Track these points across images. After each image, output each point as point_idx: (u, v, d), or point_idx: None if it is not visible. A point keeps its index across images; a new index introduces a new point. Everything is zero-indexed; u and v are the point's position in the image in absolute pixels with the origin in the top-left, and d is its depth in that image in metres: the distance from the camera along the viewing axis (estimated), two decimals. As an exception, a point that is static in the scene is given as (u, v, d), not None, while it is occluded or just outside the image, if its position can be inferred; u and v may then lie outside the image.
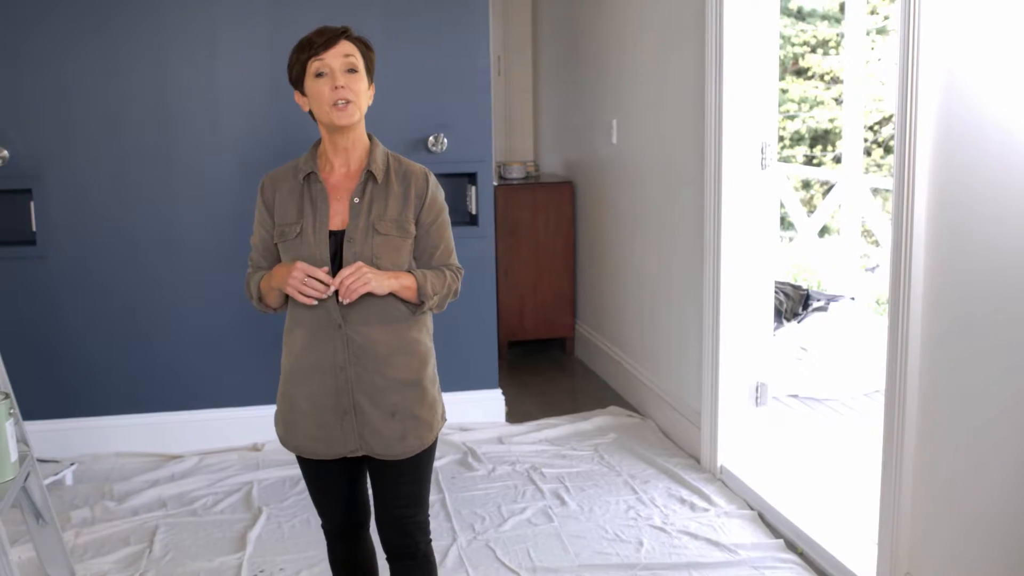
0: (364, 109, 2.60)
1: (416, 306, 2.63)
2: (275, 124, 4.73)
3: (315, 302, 2.52)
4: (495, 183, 5.93)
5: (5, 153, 4.55)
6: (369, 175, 2.61)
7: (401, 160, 2.68)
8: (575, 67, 6.34)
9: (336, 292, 2.52)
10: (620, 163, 5.55)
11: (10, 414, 2.66)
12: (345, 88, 2.53)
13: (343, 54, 2.55)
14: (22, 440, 2.81)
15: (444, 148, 4.85)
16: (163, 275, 4.77)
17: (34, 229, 4.65)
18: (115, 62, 4.61)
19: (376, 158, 2.63)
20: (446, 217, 2.70)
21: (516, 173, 6.66)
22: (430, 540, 2.79)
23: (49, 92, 4.58)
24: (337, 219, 2.60)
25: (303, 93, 2.61)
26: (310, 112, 2.63)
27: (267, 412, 4.81)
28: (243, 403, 4.89)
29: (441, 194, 2.69)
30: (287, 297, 2.63)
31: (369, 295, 2.53)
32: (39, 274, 4.67)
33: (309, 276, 2.49)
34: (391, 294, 2.58)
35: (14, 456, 2.67)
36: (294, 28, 4.57)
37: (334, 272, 2.54)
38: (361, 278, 2.49)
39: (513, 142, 7.53)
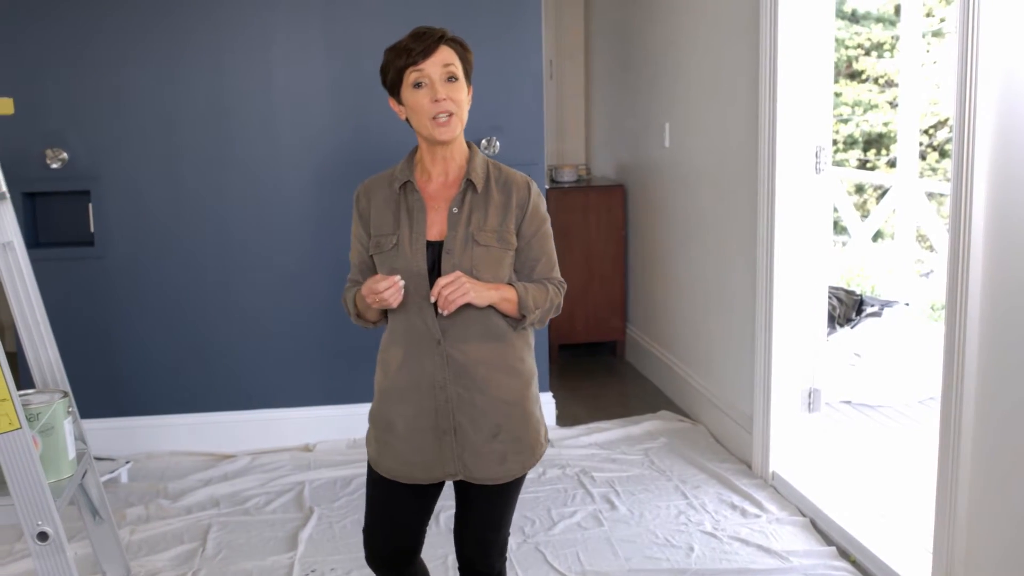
0: (465, 119, 2.49)
1: (517, 321, 2.51)
2: (329, 125, 4.77)
3: (397, 303, 2.39)
4: (547, 186, 5.94)
5: (64, 155, 4.63)
6: (469, 184, 2.49)
7: (502, 168, 2.57)
8: (627, 70, 6.33)
9: (435, 304, 2.40)
10: (672, 166, 5.53)
11: (68, 412, 2.70)
12: (447, 100, 2.41)
13: (443, 63, 2.42)
14: (80, 438, 2.85)
15: (497, 151, 4.86)
16: (217, 275, 4.82)
17: (92, 230, 4.72)
18: (172, 65, 4.67)
19: (476, 166, 2.51)
20: (548, 228, 2.57)
21: (568, 176, 6.67)
22: (506, 558, 2.70)
23: (107, 95, 4.65)
24: (435, 229, 2.48)
25: (399, 101, 2.49)
26: (407, 120, 2.52)
27: (319, 413, 4.90)
28: (295, 404, 4.93)
29: (544, 204, 2.57)
30: (386, 312, 2.55)
31: (469, 308, 2.42)
32: (97, 274, 4.74)
33: (375, 291, 2.36)
34: (491, 308, 2.46)
35: (72, 454, 2.70)
36: (349, 31, 4.64)
37: (432, 284, 2.42)
38: (460, 288, 2.34)
39: (565, 145, 7.54)
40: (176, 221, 4.77)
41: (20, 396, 2.45)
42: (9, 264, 2.74)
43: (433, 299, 2.36)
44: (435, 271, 2.45)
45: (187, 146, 4.73)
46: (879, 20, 13.41)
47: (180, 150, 4.73)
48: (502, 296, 2.45)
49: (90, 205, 4.71)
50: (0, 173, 2.74)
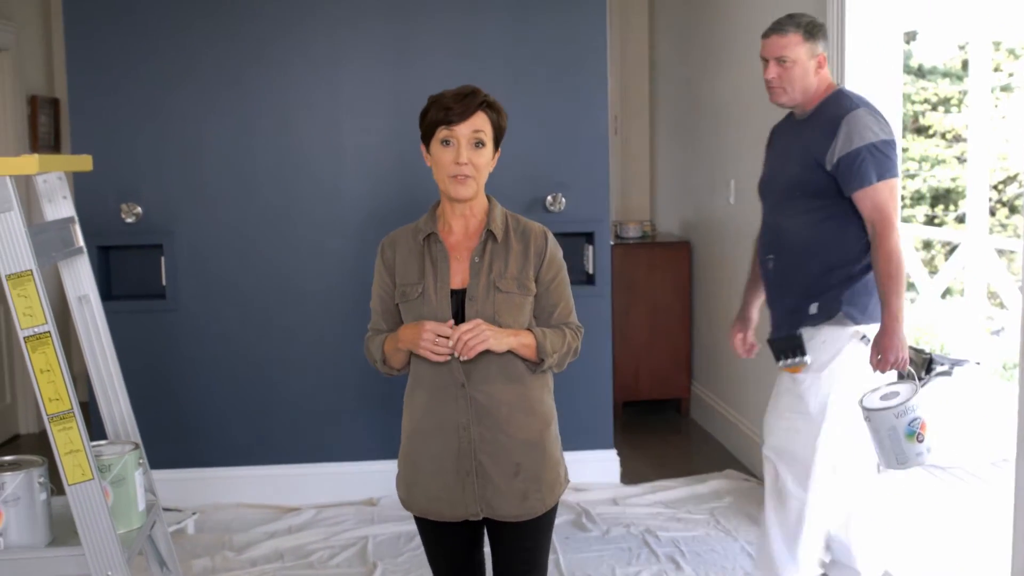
0: (483, 182, 2.63)
1: (536, 364, 2.62)
2: (393, 181, 4.82)
3: (448, 358, 2.53)
4: (612, 242, 5.94)
5: (139, 210, 4.72)
6: (489, 234, 2.64)
7: (520, 219, 2.72)
8: (693, 126, 6.34)
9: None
10: (738, 223, 5.50)
11: (139, 464, 2.73)
12: (468, 164, 2.56)
13: (474, 128, 2.57)
14: (150, 489, 2.88)
15: (562, 208, 4.88)
16: (283, 330, 4.87)
17: (163, 283, 4.81)
18: (243, 123, 4.76)
19: (495, 218, 2.66)
20: (565, 275, 2.71)
21: (632, 232, 6.66)
22: None
23: (181, 153, 4.75)
24: (458, 278, 2.63)
25: (427, 151, 2.65)
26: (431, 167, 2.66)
27: (383, 467, 4.90)
28: (360, 458, 4.94)
29: (560, 253, 2.71)
30: (410, 358, 2.67)
31: (489, 353, 2.54)
32: (167, 327, 4.82)
33: (439, 335, 2.51)
34: (511, 352, 2.58)
35: (142, 505, 2.73)
36: (417, 88, 4.69)
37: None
38: (479, 335, 2.49)
39: (630, 201, 7.54)
40: (244, 275, 4.83)
41: (92, 447, 2.48)
42: (85, 317, 2.79)
43: (452, 344, 2.50)
44: (459, 318, 2.59)
45: (256, 202, 4.81)
46: (946, 75, 13.31)
47: (249, 206, 4.81)
48: (520, 342, 2.59)
49: (162, 259, 4.79)
50: (78, 228, 2.80)
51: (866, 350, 3.36)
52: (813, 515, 3.52)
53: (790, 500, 3.50)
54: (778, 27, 3.38)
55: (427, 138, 2.63)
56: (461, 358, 2.52)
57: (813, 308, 3.38)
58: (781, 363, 3.44)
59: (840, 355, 3.41)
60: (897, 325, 3.27)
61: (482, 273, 2.60)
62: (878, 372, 3.33)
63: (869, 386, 3.35)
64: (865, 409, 3.29)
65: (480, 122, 2.58)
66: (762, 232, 3.62)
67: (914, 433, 3.25)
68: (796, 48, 3.36)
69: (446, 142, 2.57)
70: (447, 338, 2.51)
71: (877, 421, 3.25)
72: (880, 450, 3.31)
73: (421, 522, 2.74)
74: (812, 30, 3.38)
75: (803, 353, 3.39)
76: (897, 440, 3.23)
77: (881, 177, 3.29)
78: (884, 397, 3.30)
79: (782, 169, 3.51)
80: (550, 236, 2.70)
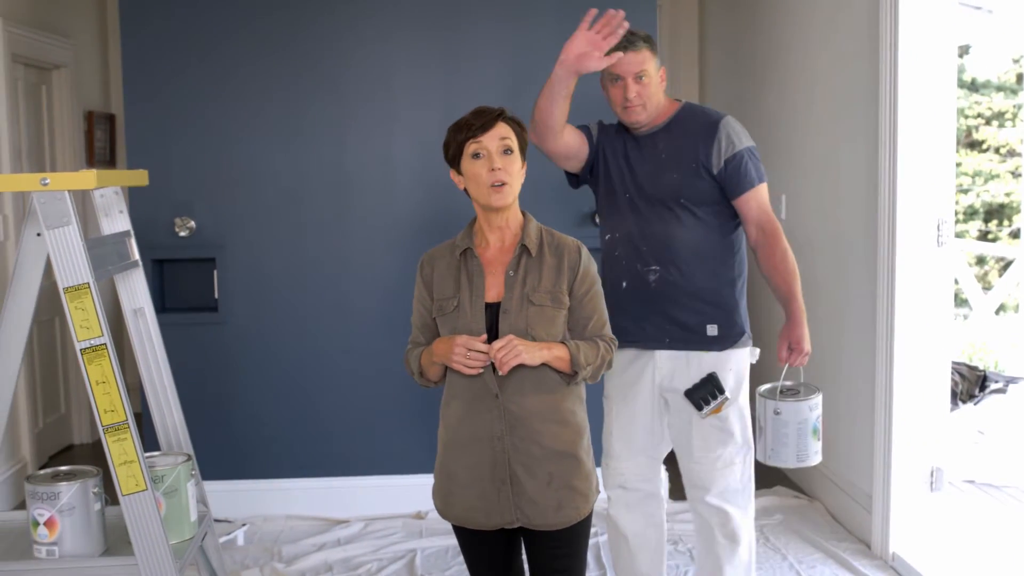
0: (518, 189, 2.70)
1: (570, 376, 2.68)
2: (446, 196, 4.83)
3: (480, 370, 2.60)
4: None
5: (192, 224, 4.78)
6: (523, 249, 2.71)
7: (554, 234, 2.78)
8: (742, 141, 6.30)
9: (493, 363, 2.59)
10: (789, 238, 5.43)
11: (191, 475, 2.77)
12: (502, 171, 2.64)
13: (500, 136, 2.66)
14: (201, 500, 2.92)
15: (611, 222, 4.87)
16: (334, 343, 4.90)
17: (216, 296, 4.86)
18: (296, 138, 4.80)
19: (530, 232, 2.73)
20: (599, 288, 2.77)
21: (681, 247, 6.62)
22: None
23: (234, 167, 4.80)
24: (493, 292, 2.69)
25: (459, 172, 2.72)
26: (465, 190, 2.73)
27: (431, 480, 4.89)
28: (408, 471, 4.95)
29: (594, 267, 2.76)
30: (446, 370, 2.73)
31: (523, 366, 2.60)
32: (219, 340, 4.86)
33: (471, 350, 2.57)
34: (545, 365, 2.64)
35: (194, 516, 2.76)
36: (468, 100, 4.65)
37: (490, 342, 2.61)
38: (512, 351, 2.55)
39: (678, 216, 7.51)
40: (296, 288, 4.87)
41: (146, 458, 2.52)
42: (140, 329, 2.84)
43: (489, 362, 2.57)
44: (493, 331, 2.66)
45: (308, 216, 4.85)
46: (1000, 89, 13.17)
47: (302, 220, 4.85)
48: (554, 355, 2.64)
49: (215, 272, 4.85)
50: (134, 242, 2.84)
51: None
52: (753, 541, 3.50)
53: (741, 537, 3.42)
54: (630, 44, 3.27)
55: (456, 160, 2.71)
56: (499, 373, 2.58)
57: (712, 330, 3.33)
58: (704, 411, 3.32)
59: (747, 376, 3.42)
60: (804, 316, 3.37)
61: (516, 287, 2.67)
62: (788, 365, 3.41)
63: (768, 385, 3.39)
64: (774, 401, 3.28)
65: (504, 130, 2.67)
66: (633, 243, 3.38)
67: (816, 430, 3.32)
68: (649, 63, 3.32)
69: (477, 155, 2.65)
70: (479, 352, 2.57)
71: (789, 414, 3.25)
72: (780, 446, 3.31)
73: (460, 531, 2.80)
74: (654, 45, 3.36)
75: (722, 391, 3.31)
76: (804, 435, 3.26)
77: (760, 179, 3.34)
78: (783, 393, 3.33)
79: (655, 177, 3.33)
80: (583, 250, 2.75)
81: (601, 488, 2.87)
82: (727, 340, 3.36)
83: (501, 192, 2.64)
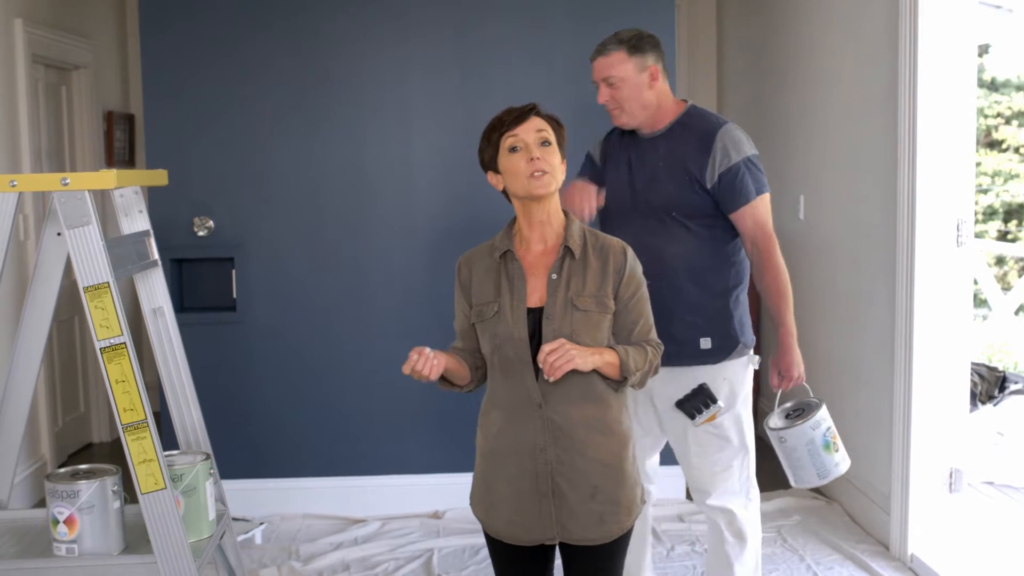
0: (560, 181, 2.58)
1: (618, 383, 2.57)
2: (465, 196, 4.84)
3: (426, 376, 2.48)
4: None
5: (211, 223, 4.80)
6: (567, 251, 2.57)
7: (598, 235, 2.65)
8: (760, 141, 6.26)
9: (537, 370, 2.49)
10: (807, 239, 5.46)
11: (210, 474, 2.78)
12: (541, 160, 2.52)
13: (536, 129, 2.55)
14: (220, 499, 2.92)
15: (628, 222, 4.86)
16: (352, 342, 4.91)
17: (234, 295, 4.87)
18: (314, 139, 4.81)
19: (573, 233, 2.59)
20: (645, 292, 2.64)
21: (698, 247, 6.61)
22: None
23: (252, 167, 4.82)
24: (535, 296, 2.56)
25: (496, 171, 2.61)
26: (503, 192, 2.63)
27: (448, 480, 4.92)
28: (426, 470, 4.96)
29: (639, 268, 2.64)
30: (476, 377, 2.66)
31: (572, 372, 2.45)
32: (238, 339, 4.88)
33: (416, 368, 2.47)
34: (593, 372, 2.52)
35: (212, 515, 2.77)
36: (484, 99, 4.72)
37: (534, 350, 2.50)
38: (565, 355, 2.40)
39: (696, 216, 7.49)
40: (314, 289, 4.88)
41: (164, 457, 2.53)
42: (159, 328, 2.85)
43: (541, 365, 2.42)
44: (536, 337, 2.53)
45: (327, 216, 4.86)
46: (1020, 88, 13.10)
47: (320, 220, 4.86)
48: (604, 360, 2.51)
49: (233, 272, 4.86)
50: (153, 241, 2.85)
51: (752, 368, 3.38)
52: (758, 539, 3.49)
53: (747, 534, 3.42)
54: (601, 48, 3.29)
55: (493, 159, 2.60)
56: (550, 379, 2.43)
57: (705, 343, 3.29)
58: (697, 420, 3.28)
59: (744, 383, 3.38)
60: (793, 341, 3.30)
61: (559, 291, 2.54)
62: (779, 390, 3.36)
63: (772, 412, 3.36)
64: (778, 430, 3.26)
65: (539, 123, 2.56)
66: None
67: (829, 444, 3.26)
68: (622, 66, 3.26)
69: (514, 148, 2.54)
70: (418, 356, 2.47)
71: (794, 438, 3.23)
72: (799, 469, 3.29)
73: (495, 543, 2.68)
74: (638, 44, 3.28)
75: (714, 400, 3.26)
76: (816, 453, 3.23)
77: (759, 192, 3.25)
78: (788, 416, 3.29)
79: (651, 188, 3.31)
80: (629, 252, 2.63)
81: (646, 498, 2.76)
82: (721, 352, 3.30)
83: (542, 180, 2.51)
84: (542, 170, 2.52)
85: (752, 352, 3.40)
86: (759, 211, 3.26)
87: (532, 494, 2.56)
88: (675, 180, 3.25)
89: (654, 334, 2.65)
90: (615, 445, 2.59)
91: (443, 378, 2.64)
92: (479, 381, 2.69)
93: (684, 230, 3.26)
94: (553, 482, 2.55)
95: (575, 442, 2.54)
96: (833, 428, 3.28)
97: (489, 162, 2.62)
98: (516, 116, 2.56)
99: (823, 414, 3.25)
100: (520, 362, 2.53)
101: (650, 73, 3.28)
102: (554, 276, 2.55)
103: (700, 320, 3.28)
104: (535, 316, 2.55)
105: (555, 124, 2.61)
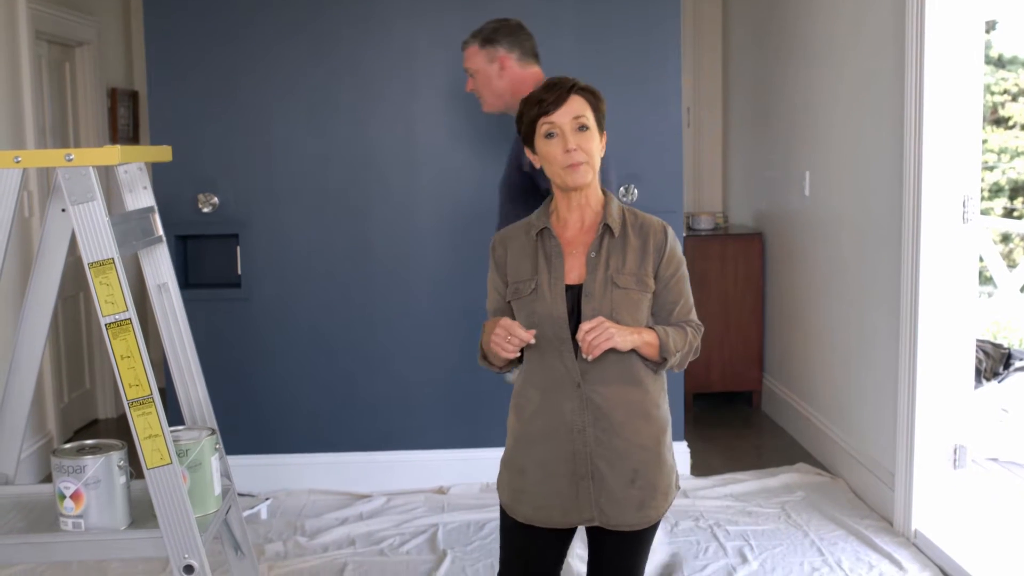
0: (597, 166, 2.52)
1: (658, 364, 2.52)
2: (468, 175, 4.84)
3: (516, 353, 2.43)
4: (684, 234, 5.91)
5: (216, 200, 4.80)
6: (606, 228, 2.52)
7: (637, 213, 2.59)
8: (766, 118, 6.28)
9: (575, 348, 2.45)
10: (813, 215, 5.45)
11: (216, 449, 2.78)
12: (577, 150, 2.46)
13: (573, 114, 2.48)
14: (225, 475, 2.93)
15: (635, 198, 4.86)
16: (357, 319, 4.91)
17: (239, 272, 4.88)
18: (318, 116, 4.81)
19: (612, 211, 2.54)
20: (685, 271, 2.58)
21: (705, 224, 6.62)
22: None
23: (257, 144, 4.81)
24: (574, 274, 2.51)
25: (533, 151, 2.56)
26: (541, 168, 2.58)
27: (453, 456, 4.94)
28: (431, 446, 4.98)
29: (679, 248, 2.59)
30: (523, 355, 2.56)
31: (610, 352, 2.42)
32: (242, 315, 4.89)
33: (511, 334, 2.39)
34: (632, 352, 2.47)
35: (218, 490, 2.78)
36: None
37: (573, 327, 2.45)
38: (604, 332, 2.36)
39: (702, 193, 7.49)
40: (319, 265, 4.89)
41: (170, 432, 2.53)
42: (164, 305, 2.84)
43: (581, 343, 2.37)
44: (574, 315, 2.47)
45: (331, 193, 4.86)
46: (1027, 65, 13.02)
47: (324, 197, 4.86)
48: (644, 340, 2.46)
49: (238, 248, 4.87)
50: (157, 217, 2.85)
51: None
52: None
53: None
54: (463, 42, 3.56)
55: (529, 138, 2.54)
56: (588, 357, 2.39)
57: None
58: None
59: None
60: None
61: (599, 269, 2.48)
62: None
63: None
64: None
65: (578, 106, 2.49)
66: None
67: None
68: (475, 58, 3.55)
69: (550, 135, 2.48)
70: (519, 338, 2.39)
71: None
72: None
73: (518, 527, 2.61)
74: (491, 36, 3.50)
75: None
76: None
77: None
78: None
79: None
80: (670, 231, 2.57)
81: (680, 483, 2.69)
82: None
83: (578, 171, 2.46)
84: (578, 161, 2.46)
85: None
86: None
87: (568, 477, 2.51)
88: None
89: (694, 315, 2.60)
90: (654, 429, 2.54)
91: (484, 355, 2.60)
92: (513, 362, 2.61)
93: None
94: (592, 464, 2.50)
95: (614, 424, 2.49)
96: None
97: (525, 138, 2.56)
98: (555, 98, 2.48)
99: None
100: (559, 340, 2.48)
101: (500, 63, 3.51)
102: (593, 254, 2.50)
103: None
104: (573, 294, 2.49)
105: (594, 100, 2.55)
